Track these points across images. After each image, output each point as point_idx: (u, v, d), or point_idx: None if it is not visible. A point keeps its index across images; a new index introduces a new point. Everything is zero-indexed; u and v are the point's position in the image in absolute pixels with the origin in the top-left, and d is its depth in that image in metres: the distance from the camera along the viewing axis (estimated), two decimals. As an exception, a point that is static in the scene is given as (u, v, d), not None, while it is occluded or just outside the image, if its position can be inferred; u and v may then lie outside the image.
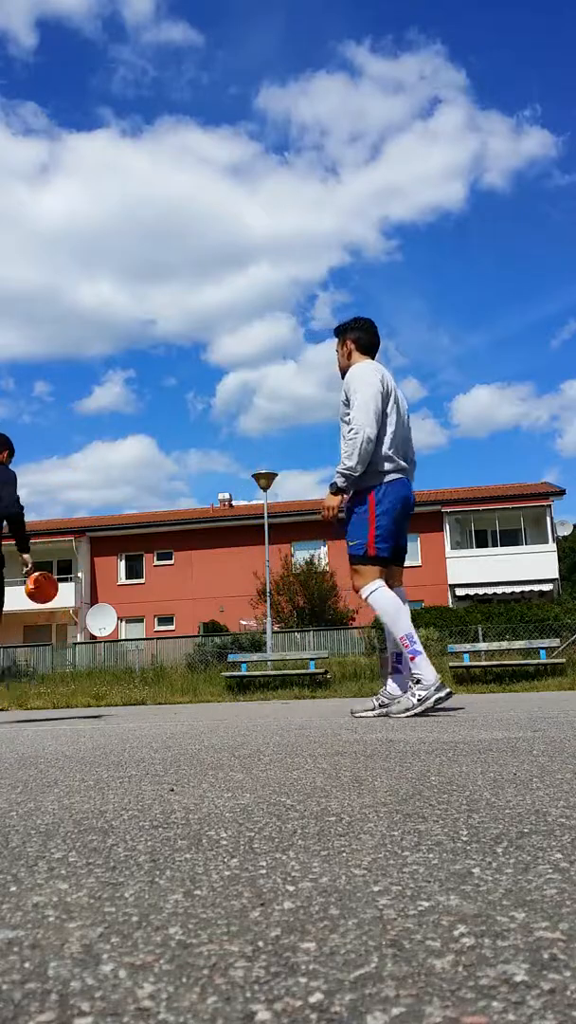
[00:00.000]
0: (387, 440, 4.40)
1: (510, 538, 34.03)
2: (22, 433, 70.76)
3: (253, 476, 19.21)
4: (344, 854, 1.00)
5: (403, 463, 4.48)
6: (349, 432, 4.32)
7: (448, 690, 4.23)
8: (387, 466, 4.41)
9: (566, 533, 36.49)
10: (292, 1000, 0.56)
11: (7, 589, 6.04)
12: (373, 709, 4.43)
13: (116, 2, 70.66)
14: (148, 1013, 0.55)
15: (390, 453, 4.41)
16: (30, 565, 6.04)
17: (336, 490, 4.47)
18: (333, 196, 68.67)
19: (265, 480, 19.03)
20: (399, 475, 4.46)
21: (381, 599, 4.32)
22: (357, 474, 4.36)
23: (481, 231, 70.68)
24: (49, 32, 71.56)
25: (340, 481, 4.40)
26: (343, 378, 4.58)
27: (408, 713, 4.16)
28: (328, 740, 2.85)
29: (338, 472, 4.39)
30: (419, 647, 4.23)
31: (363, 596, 4.40)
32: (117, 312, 73.77)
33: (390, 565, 4.47)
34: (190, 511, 39.13)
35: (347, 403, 4.40)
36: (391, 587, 4.40)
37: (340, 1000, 0.55)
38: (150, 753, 2.63)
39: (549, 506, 33.27)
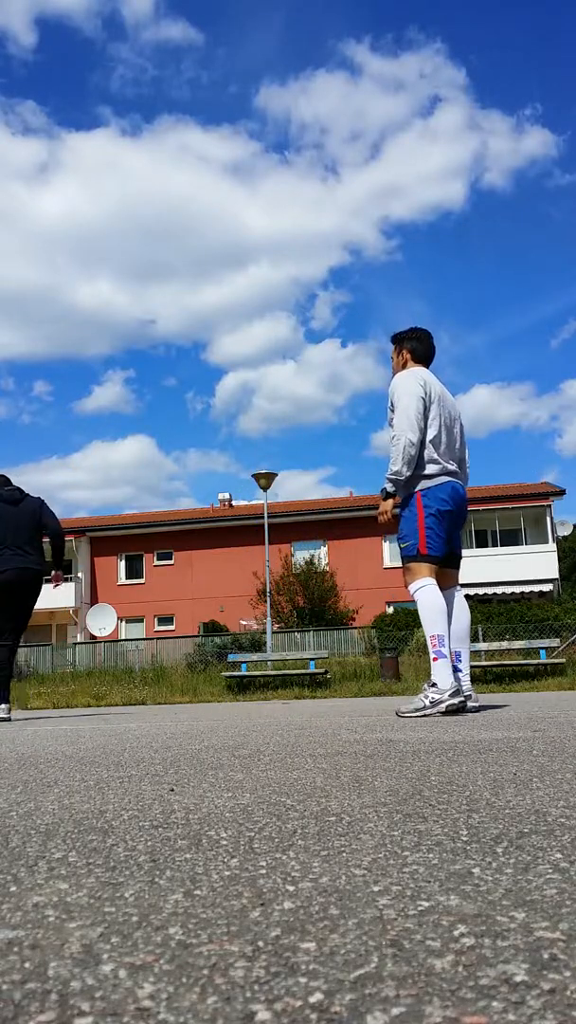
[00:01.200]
0: (431, 443, 4.50)
1: (510, 538, 34.03)
2: (22, 433, 70.83)
3: (253, 476, 19.21)
4: (344, 854, 1.00)
5: (450, 466, 4.55)
6: (392, 438, 4.45)
7: (461, 699, 4.20)
8: (432, 469, 4.51)
9: (566, 533, 36.51)
10: (292, 1000, 0.56)
11: None
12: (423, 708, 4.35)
13: (116, 0, 70.66)
14: (148, 1013, 0.55)
15: (435, 456, 4.51)
16: (60, 580, 6.70)
17: (387, 495, 4.58)
18: (333, 195, 68.67)
19: (265, 480, 19.03)
20: (447, 478, 4.53)
21: (425, 596, 4.37)
22: (403, 477, 4.47)
23: (481, 231, 70.77)
24: (48, 31, 71.61)
25: (389, 486, 4.54)
26: None
27: (417, 713, 4.17)
28: (328, 740, 2.85)
29: (387, 477, 4.51)
30: (445, 652, 4.25)
31: (411, 592, 4.45)
32: (117, 312, 73.81)
33: (443, 566, 4.53)
34: (190, 511, 39.13)
35: (392, 408, 4.55)
36: (443, 588, 4.46)
37: (340, 1000, 0.55)
38: (150, 753, 2.63)
39: (549, 506, 33.27)
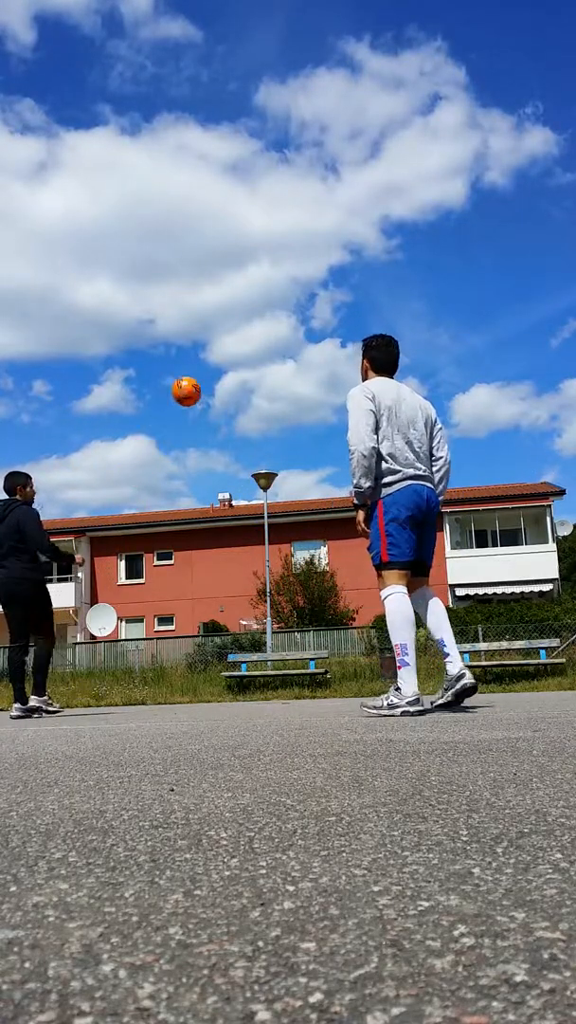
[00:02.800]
0: (387, 452, 4.59)
1: (510, 538, 34.04)
2: (21, 432, 70.83)
3: (253, 476, 19.21)
4: (344, 854, 1.00)
5: (411, 471, 4.62)
6: (349, 451, 4.56)
7: (419, 708, 4.33)
8: (389, 477, 4.61)
9: (566, 533, 36.49)
10: (292, 1000, 0.56)
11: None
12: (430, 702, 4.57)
13: (115, -3, 70.58)
14: (148, 1013, 0.55)
15: (392, 466, 4.59)
16: (79, 559, 7.64)
17: (356, 506, 4.69)
18: (333, 194, 68.68)
19: (265, 480, 19.03)
20: (408, 482, 4.61)
21: (392, 604, 4.49)
22: (363, 488, 4.57)
23: (482, 229, 70.77)
24: (47, 28, 71.54)
25: (355, 499, 4.64)
26: None
27: (375, 712, 4.41)
28: (328, 740, 2.85)
29: (350, 491, 4.64)
30: (410, 660, 4.42)
31: (381, 598, 4.58)
32: (116, 311, 73.84)
33: (411, 571, 4.62)
34: (190, 511, 39.14)
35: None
36: (412, 590, 4.58)
37: (340, 1000, 0.55)
38: (150, 753, 2.63)
39: (549, 506, 33.28)
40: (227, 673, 13.12)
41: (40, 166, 68.42)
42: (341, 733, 3.21)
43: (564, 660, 12.60)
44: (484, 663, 12.58)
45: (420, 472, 4.66)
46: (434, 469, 4.82)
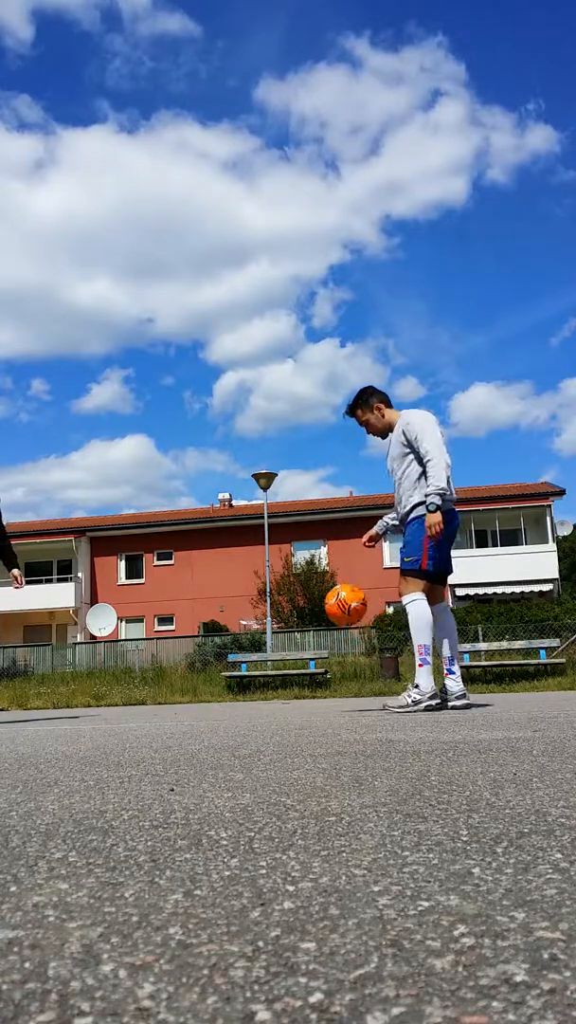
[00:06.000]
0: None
1: (510, 538, 34.02)
2: (20, 432, 70.85)
3: (253, 476, 19.19)
4: (344, 854, 1.00)
5: (451, 491, 5.05)
6: (429, 462, 4.92)
7: (439, 701, 4.91)
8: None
9: (566, 533, 36.49)
10: (292, 1000, 0.56)
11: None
12: (409, 705, 4.92)
13: (114, -7, 70.44)
14: (148, 1013, 0.55)
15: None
16: (20, 580, 6.74)
17: (435, 508, 4.93)
18: (333, 192, 68.58)
19: (265, 480, 19.01)
20: (450, 503, 5.03)
21: (417, 609, 4.95)
22: (449, 493, 4.92)
23: (483, 228, 70.77)
24: (46, 24, 71.35)
25: (437, 500, 4.88)
26: (383, 437, 5.30)
27: (402, 710, 4.83)
28: (328, 740, 2.85)
29: (435, 493, 4.87)
30: (429, 659, 4.92)
31: (404, 602, 5.03)
32: (115, 310, 73.74)
33: (433, 582, 5.11)
34: (190, 511, 39.12)
35: (407, 445, 5.05)
36: (433, 602, 5.04)
37: (340, 1000, 0.55)
38: (150, 753, 2.63)
39: (549, 506, 33.26)
40: (227, 673, 13.12)
41: (37, 164, 68.29)
42: (341, 733, 3.21)
43: (564, 660, 12.59)
44: (484, 663, 12.57)
45: (454, 498, 5.10)
46: None
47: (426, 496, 4.90)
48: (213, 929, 0.72)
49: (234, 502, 38.81)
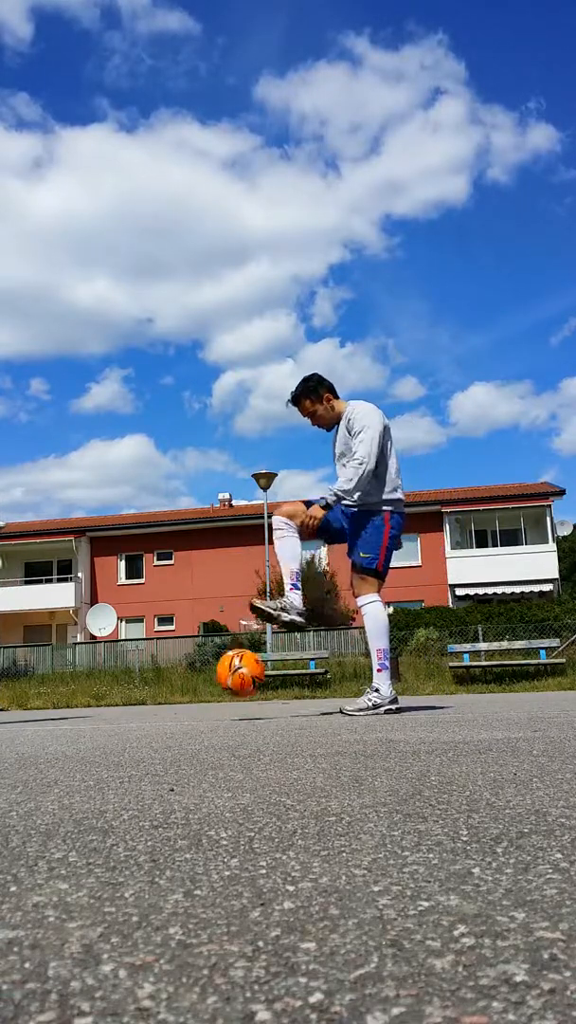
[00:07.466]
0: (393, 471, 4.86)
1: (510, 538, 34.03)
2: (19, 432, 70.80)
3: (253, 476, 19.18)
4: (344, 854, 1.00)
5: (402, 493, 4.90)
6: (354, 461, 4.69)
7: (397, 706, 4.76)
8: (396, 495, 4.85)
9: (566, 533, 36.49)
10: (292, 1000, 0.56)
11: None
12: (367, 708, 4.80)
13: (113, -11, 70.27)
14: (148, 1013, 0.55)
15: (399, 483, 4.87)
16: None
17: (326, 505, 4.80)
18: (334, 191, 68.45)
19: (265, 480, 19.01)
20: (401, 504, 4.89)
21: (375, 611, 4.82)
22: (351, 499, 4.72)
23: (483, 227, 70.65)
24: (44, 22, 71.19)
25: (332, 500, 4.73)
26: (329, 429, 5.02)
27: (360, 712, 4.67)
28: (328, 740, 2.85)
29: (334, 492, 4.71)
30: (387, 663, 4.83)
31: (360, 603, 4.84)
32: (114, 310, 73.61)
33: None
34: (190, 511, 39.12)
35: (350, 433, 4.79)
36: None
37: (340, 1000, 0.55)
38: (150, 753, 2.63)
39: (549, 506, 33.26)
40: (227, 673, 13.10)
41: (36, 162, 68.13)
42: (341, 733, 3.21)
43: (564, 660, 12.60)
44: (484, 663, 12.58)
45: (405, 498, 4.96)
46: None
47: (331, 490, 4.70)
48: (213, 929, 0.72)
49: (234, 502, 38.82)
